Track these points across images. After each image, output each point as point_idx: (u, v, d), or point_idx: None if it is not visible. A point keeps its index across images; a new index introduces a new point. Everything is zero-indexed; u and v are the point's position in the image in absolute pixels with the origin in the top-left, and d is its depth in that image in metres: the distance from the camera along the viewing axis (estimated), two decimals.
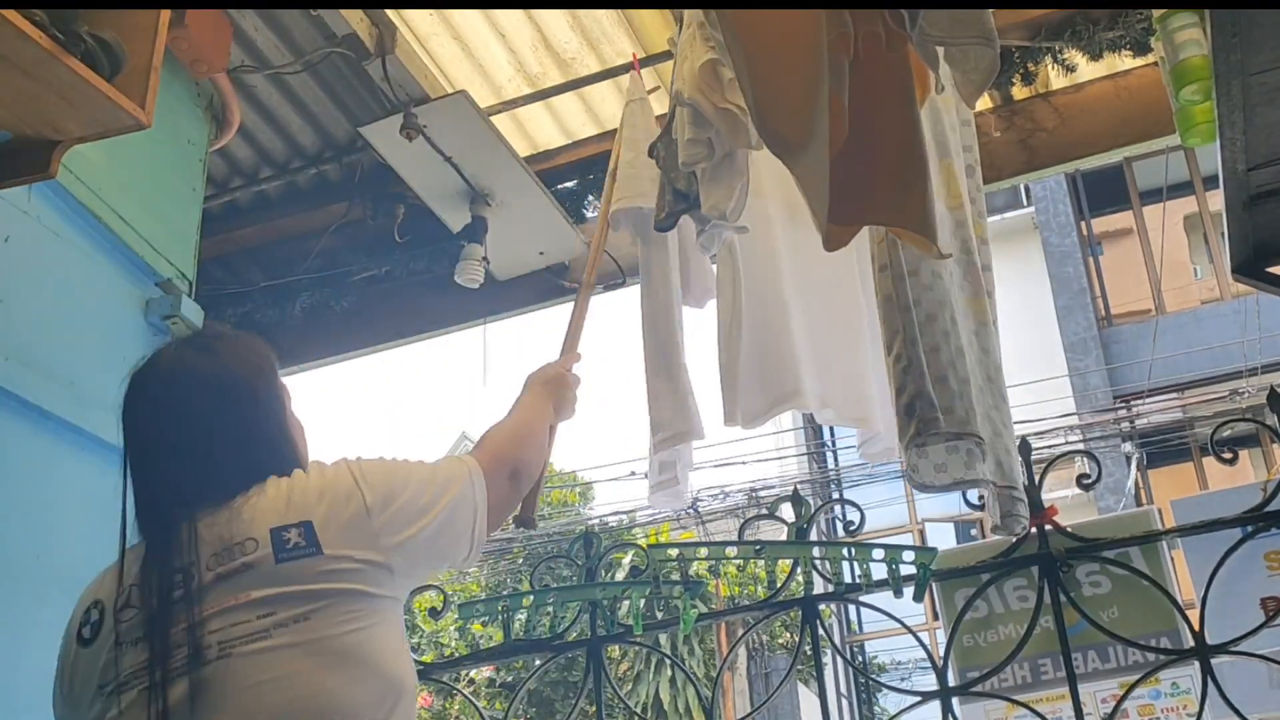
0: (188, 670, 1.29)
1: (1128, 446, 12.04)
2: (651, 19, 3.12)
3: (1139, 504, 11.63)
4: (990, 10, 1.81)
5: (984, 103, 3.19)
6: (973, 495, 2.30)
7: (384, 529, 1.39)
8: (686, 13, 2.34)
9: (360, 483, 1.40)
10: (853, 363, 2.61)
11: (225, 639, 1.30)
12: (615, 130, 3.42)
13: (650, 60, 3.10)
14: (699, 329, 2.76)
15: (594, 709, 2.33)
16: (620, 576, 8.93)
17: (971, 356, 2.13)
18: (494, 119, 3.19)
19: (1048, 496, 2.22)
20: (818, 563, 2.32)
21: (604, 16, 3.18)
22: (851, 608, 13.97)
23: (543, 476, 1.90)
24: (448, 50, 3.26)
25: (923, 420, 1.93)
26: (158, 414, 1.46)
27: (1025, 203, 14.01)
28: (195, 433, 1.44)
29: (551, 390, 1.93)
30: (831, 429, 14.77)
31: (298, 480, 1.41)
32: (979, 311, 2.21)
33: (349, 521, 1.37)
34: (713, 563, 2.47)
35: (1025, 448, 2.28)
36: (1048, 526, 2.20)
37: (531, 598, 2.44)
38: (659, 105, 2.87)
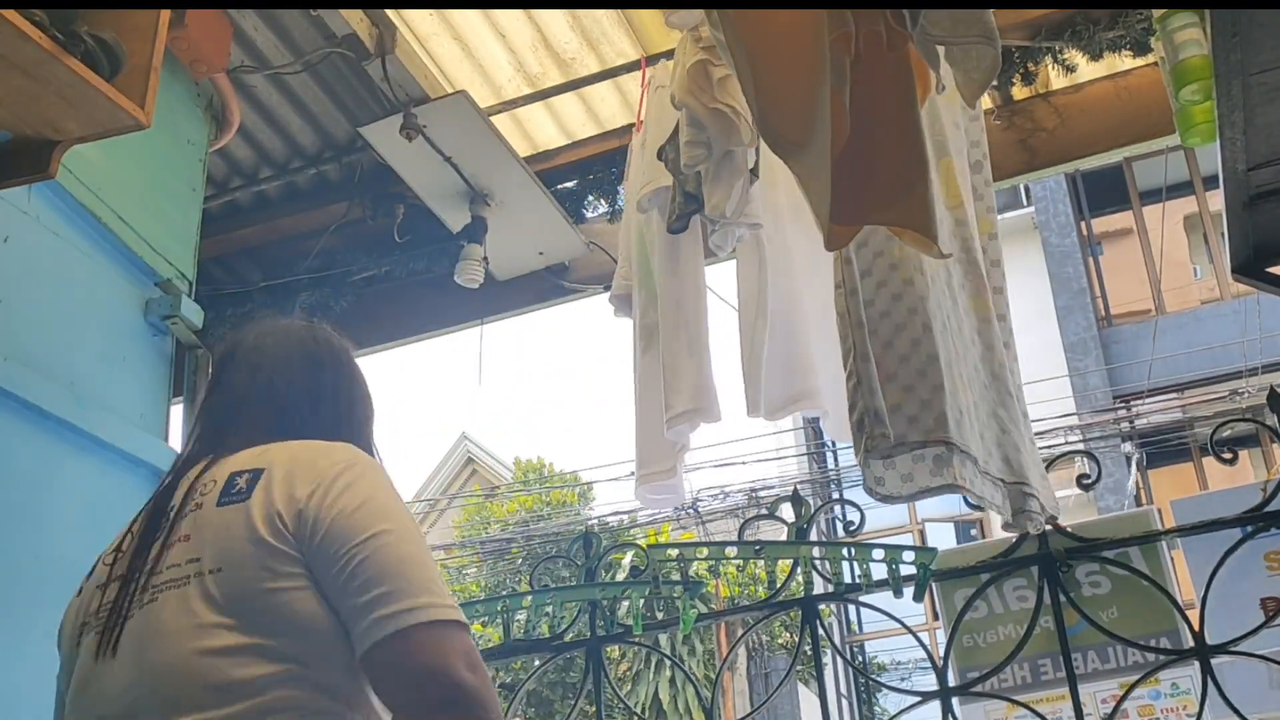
0: (129, 615, 1.25)
1: (1128, 446, 12.04)
2: (651, 19, 3.12)
3: (1139, 504, 11.63)
4: (991, 10, 1.81)
5: (984, 103, 3.19)
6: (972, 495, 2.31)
7: (314, 525, 1.23)
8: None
9: (343, 473, 1.27)
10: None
11: (158, 581, 1.25)
12: (617, 130, 3.44)
13: (654, 60, 3.10)
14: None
15: (594, 709, 2.33)
16: (620, 577, 8.93)
17: (973, 355, 2.12)
18: (494, 119, 3.19)
19: None
20: (817, 563, 2.32)
21: (604, 16, 3.17)
22: (851, 608, 13.96)
23: None
24: (448, 50, 3.26)
25: (870, 437, 1.90)
26: (234, 356, 1.48)
27: (1025, 203, 14.01)
28: (258, 377, 1.44)
29: None
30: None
31: (309, 444, 1.34)
32: (981, 309, 2.19)
33: (298, 484, 1.25)
34: (713, 563, 2.46)
35: None
36: (1048, 526, 2.20)
37: (531, 598, 2.44)
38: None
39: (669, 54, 2.87)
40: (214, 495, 1.28)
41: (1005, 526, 2.10)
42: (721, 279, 3.05)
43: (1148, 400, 12.13)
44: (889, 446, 1.88)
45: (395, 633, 1.15)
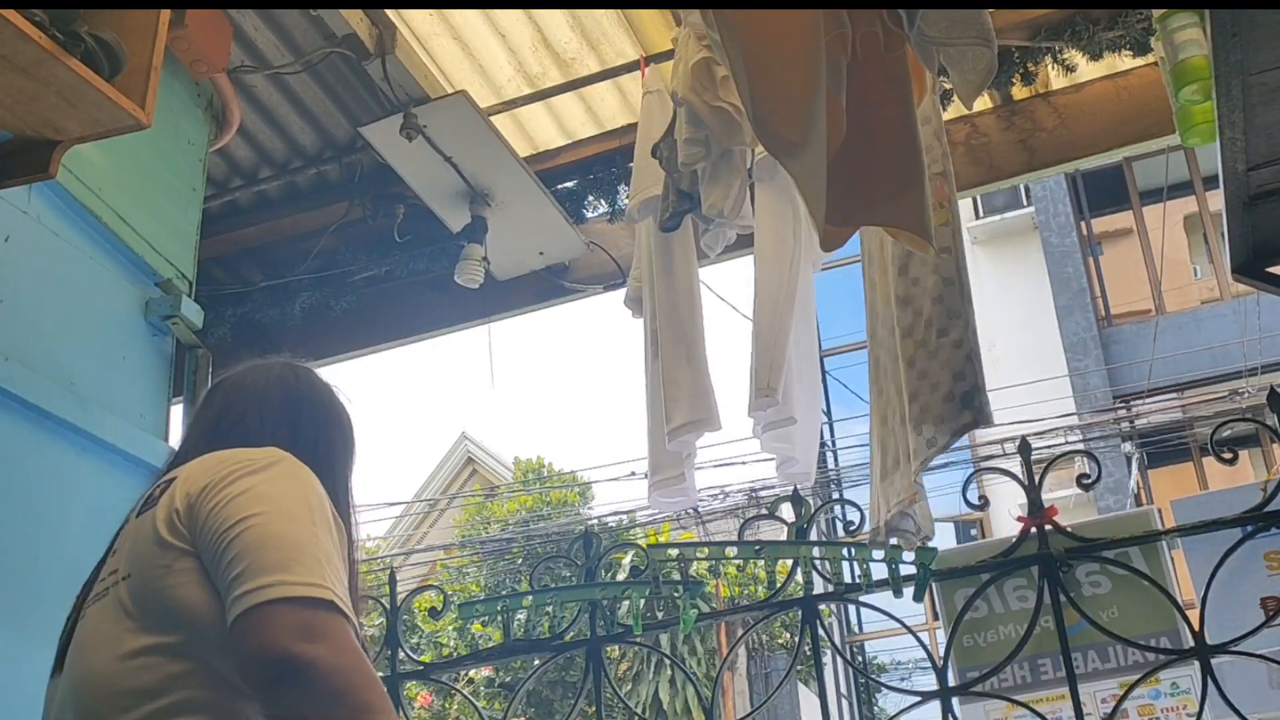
0: (71, 634, 1.32)
1: (1128, 446, 12.04)
2: (651, 19, 3.12)
3: (1139, 504, 11.63)
4: (988, 11, 1.81)
5: (984, 102, 3.19)
6: (973, 495, 2.31)
7: (202, 505, 1.23)
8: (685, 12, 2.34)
9: (248, 469, 1.26)
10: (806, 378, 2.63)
11: (91, 597, 1.30)
12: (616, 130, 3.44)
13: (654, 60, 3.11)
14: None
15: (594, 709, 2.33)
16: (620, 577, 8.93)
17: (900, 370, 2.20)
18: (494, 119, 3.19)
19: (1048, 496, 2.22)
20: (817, 563, 2.32)
21: (604, 16, 3.18)
22: (851, 608, 13.96)
23: None
24: (448, 50, 3.26)
25: (978, 411, 1.94)
26: (216, 390, 1.51)
27: (1025, 203, 14.00)
28: (231, 410, 1.45)
29: None
30: (832, 429, 14.77)
31: (232, 450, 1.33)
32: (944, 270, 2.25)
33: (198, 487, 1.25)
34: (713, 563, 2.46)
35: (1025, 448, 2.28)
36: (1048, 526, 2.20)
37: (531, 598, 2.44)
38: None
39: (669, 54, 2.87)
40: (138, 509, 1.32)
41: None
42: (720, 279, 3.04)
43: (1148, 400, 12.12)
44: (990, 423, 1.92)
45: (238, 615, 1.13)
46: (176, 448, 1.51)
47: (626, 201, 3.19)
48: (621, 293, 3.44)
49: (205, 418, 1.48)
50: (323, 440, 1.46)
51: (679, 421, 2.52)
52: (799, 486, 2.36)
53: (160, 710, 1.16)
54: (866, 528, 2.49)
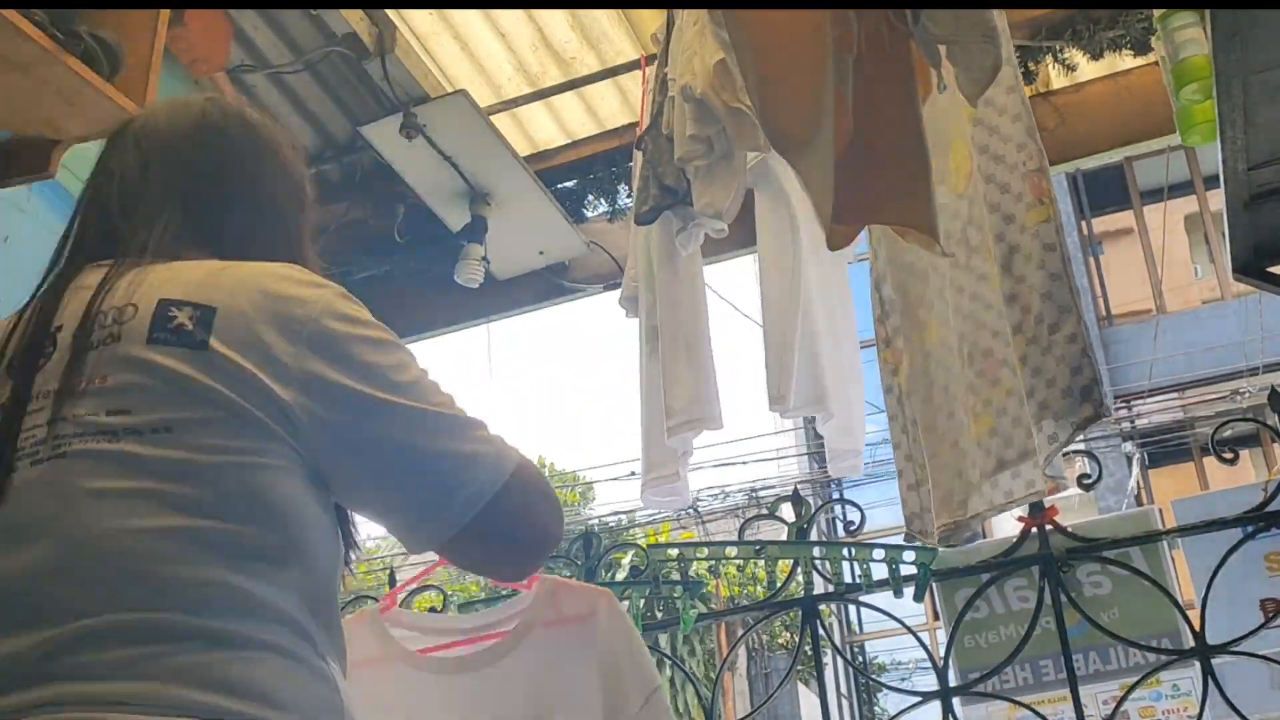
0: (10, 466, 0.95)
1: (1128, 446, 12.04)
2: (651, 19, 3.12)
3: (1140, 504, 11.63)
4: (996, 10, 1.81)
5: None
6: None
7: (303, 354, 1.00)
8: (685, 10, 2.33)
9: (328, 315, 1.06)
10: (846, 371, 2.62)
11: (60, 433, 0.95)
12: (616, 130, 3.44)
13: (654, 61, 3.10)
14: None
15: None
16: (620, 577, 8.93)
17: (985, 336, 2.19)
18: (494, 119, 3.19)
19: (1048, 496, 2.22)
20: (818, 563, 2.32)
21: (604, 16, 3.17)
22: (851, 608, 13.96)
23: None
24: (448, 50, 3.26)
25: (1097, 404, 1.95)
26: (120, 138, 1.26)
27: None
28: (151, 166, 1.18)
29: None
30: None
31: (249, 267, 1.07)
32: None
33: (268, 325, 1.00)
34: (712, 563, 2.46)
35: None
36: (1048, 527, 2.20)
37: None
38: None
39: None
40: (137, 327, 0.99)
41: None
42: (720, 278, 3.04)
43: (1148, 400, 12.13)
44: (1107, 416, 1.94)
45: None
46: (80, 221, 1.23)
47: (627, 200, 3.18)
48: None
49: (116, 174, 1.21)
50: (283, 202, 1.22)
51: (680, 419, 2.51)
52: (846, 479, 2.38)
53: (195, 607, 0.91)
54: (864, 527, 2.49)
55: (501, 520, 1.06)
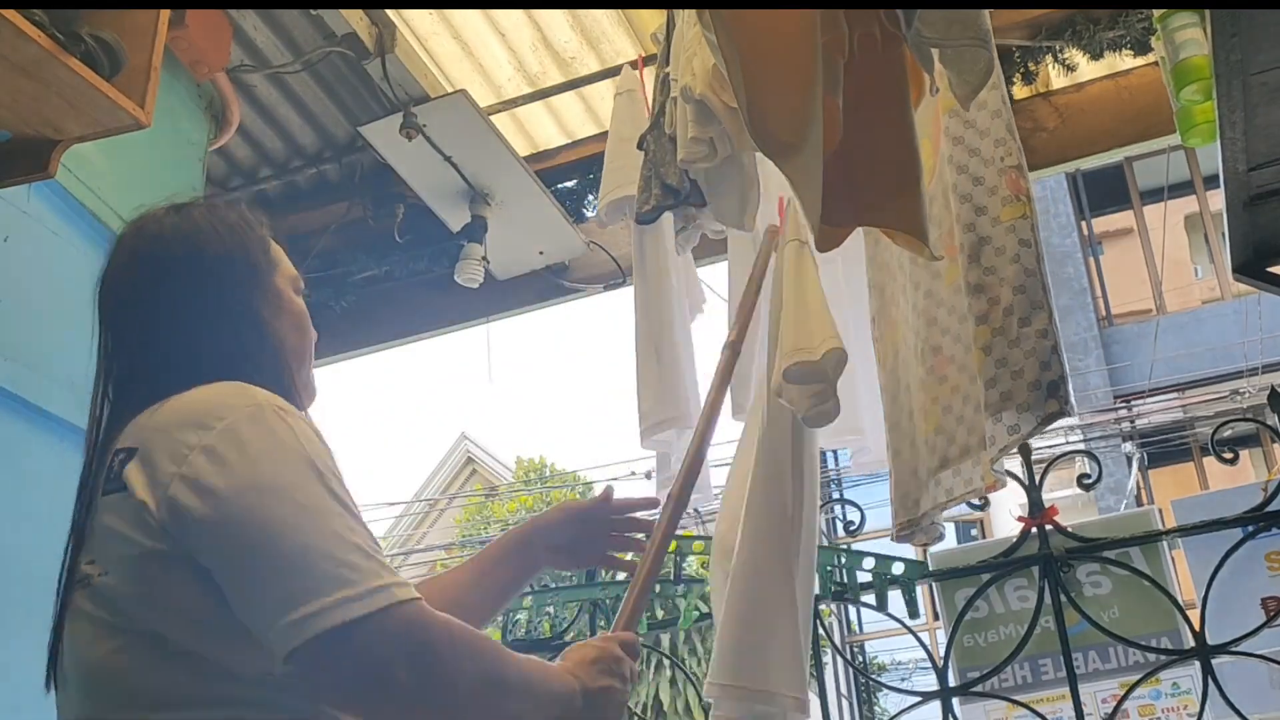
0: (60, 634, 1.12)
1: (1128, 446, 12.04)
2: (651, 19, 3.12)
3: (1140, 504, 11.63)
4: (986, 11, 1.81)
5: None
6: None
7: (180, 475, 1.02)
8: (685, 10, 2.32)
9: (220, 428, 1.03)
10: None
11: (77, 577, 1.11)
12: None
13: (651, 62, 3.10)
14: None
15: None
16: (620, 576, 8.89)
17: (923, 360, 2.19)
18: (494, 118, 3.19)
19: (1048, 496, 2.23)
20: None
21: (604, 16, 3.17)
22: (851, 607, 13.96)
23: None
24: (448, 50, 3.26)
25: (1063, 402, 1.95)
26: (105, 293, 1.28)
27: None
28: (132, 317, 1.22)
29: (591, 680, 1.18)
30: None
31: (195, 393, 1.09)
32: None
33: (161, 454, 1.04)
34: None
35: (1025, 448, 2.28)
36: (1048, 526, 2.20)
37: (531, 598, 2.44)
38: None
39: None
40: (101, 481, 1.09)
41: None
42: (721, 277, 3.03)
43: (1148, 400, 12.13)
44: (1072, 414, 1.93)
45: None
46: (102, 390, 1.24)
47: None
48: (622, 292, 3.44)
49: (102, 345, 1.27)
50: (242, 294, 1.19)
51: (649, 421, 2.49)
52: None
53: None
54: (864, 527, 2.48)
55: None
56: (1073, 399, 1.97)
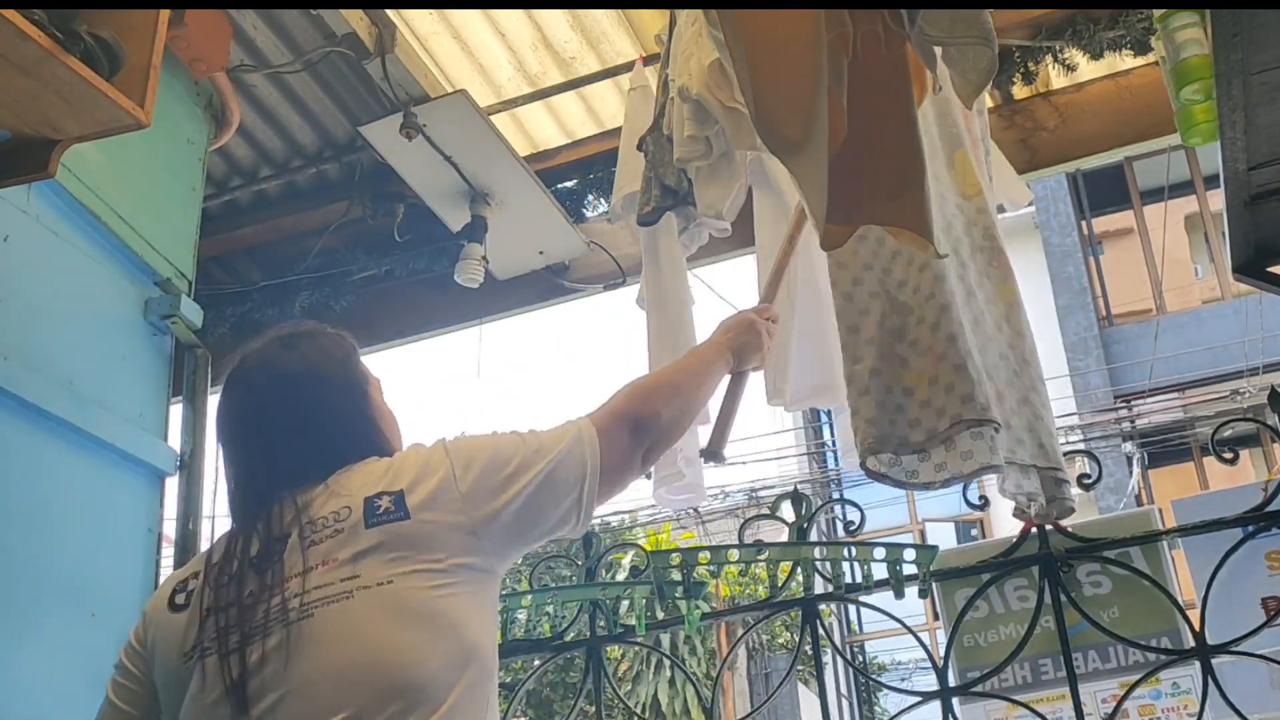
0: (265, 633, 1.32)
1: (1128, 446, 12.04)
2: (651, 19, 3.12)
3: (1140, 504, 11.63)
4: (989, 10, 1.81)
5: (985, 100, 3.19)
6: (973, 494, 2.31)
7: (470, 496, 1.39)
8: (684, 10, 2.32)
9: (449, 454, 1.43)
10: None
11: (307, 601, 1.32)
12: (616, 130, 3.43)
13: (653, 60, 3.10)
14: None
15: (594, 709, 2.33)
16: (620, 576, 8.92)
17: (1002, 342, 2.13)
18: (494, 118, 3.19)
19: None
20: (818, 563, 2.32)
21: (604, 16, 3.17)
22: (852, 608, 13.96)
23: (731, 412, 1.94)
24: (448, 50, 3.26)
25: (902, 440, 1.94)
26: (248, 409, 1.54)
27: (1026, 202, 13.99)
28: (284, 421, 1.50)
29: (734, 337, 1.85)
30: (832, 428, 14.76)
31: (398, 457, 1.47)
32: (1008, 295, 2.19)
33: (436, 488, 1.39)
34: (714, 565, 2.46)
35: None
36: (1048, 526, 2.20)
37: (531, 597, 2.44)
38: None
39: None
40: (355, 520, 1.37)
41: (1038, 516, 2.11)
42: (722, 277, 3.02)
43: (1148, 400, 12.13)
44: (960, 420, 1.90)
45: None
46: (241, 467, 1.52)
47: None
48: (622, 292, 3.44)
49: (255, 428, 1.52)
50: (359, 395, 1.57)
51: None
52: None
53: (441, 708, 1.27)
54: (864, 527, 2.48)
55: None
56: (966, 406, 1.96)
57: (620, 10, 3.13)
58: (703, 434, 2.66)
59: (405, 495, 1.38)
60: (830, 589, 2.31)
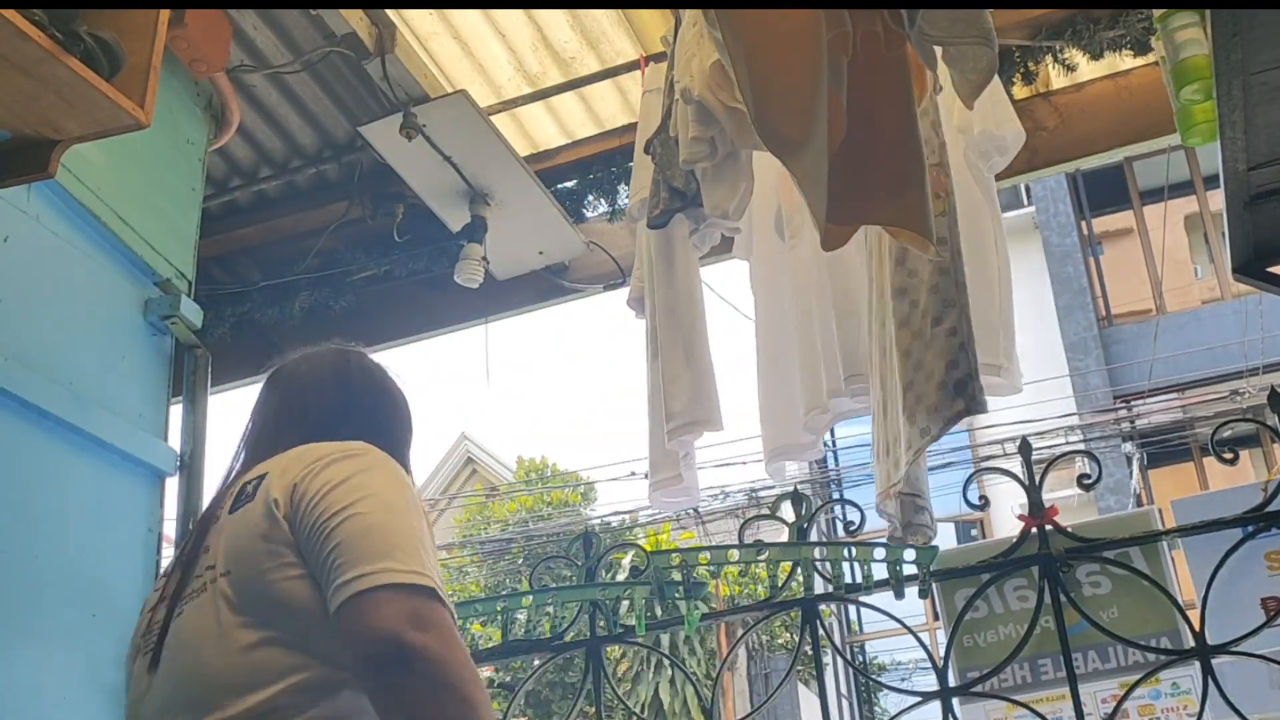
0: (165, 631, 1.32)
1: (1128, 446, 12.04)
2: (651, 19, 3.12)
3: (1139, 504, 11.62)
4: (989, 10, 1.81)
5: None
6: (973, 495, 2.31)
7: (303, 496, 1.27)
8: (688, 10, 2.33)
9: (341, 457, 1.31)
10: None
11: (186, 593, 1.32)
12: (616, 130, 3.44)
13: (653, 60, 3.10)
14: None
15: (593, 709, 2.33)
16: (620, 577, 8.92)
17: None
18: (494, 119, 3.19)
19: (1048, 496, 2.23)
20: (818, 563, 2.32)
21: (604, 16, 3.17)
22: (852, 608, 13.96)
23: None
24: (448, 50, 3.26)
25: (970, 399, 1.95)
26: (271, 382, 1.56)
27: (1025, 202, 14.00)
28: (291, 399, 1.50)
29: None
30: (831, 429, 14.75)
31: (317, 444, 1.38)
32: (879, 280, 2.26)
33: (292, 481, 1.29)
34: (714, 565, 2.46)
35: (1026, 448, 2.28)
36: (1048, 527, 2.20)
37: (531, 598, 2.44)
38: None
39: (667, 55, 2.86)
40: (229, 505, 1.34)
41: (891, 538, 2.16)
42: (723, 278, 3.04)
43: (1148, 400, 12.13)
44: (983, 410, 1.92)
45: (345, 600, 1.17)
46: (238, 449, 1.52)
47: (627, 200, 3.19)
48: (622, 292, 3.44)
49: (266, 411, 1.52)
50: (384, 425, 1.50)
51: (679, 421, 2.52)
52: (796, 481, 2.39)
53: (271, 698, 1.19)
54: (864, 527, 2.48)
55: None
56: (983, 396, 1.96)
57: (620, 10, 3.13)
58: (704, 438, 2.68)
59: (267, 479, 1.33)
60: (830, 589, 2.31)
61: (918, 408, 2.00)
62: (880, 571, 2.27)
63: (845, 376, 2.42)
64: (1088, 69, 3.10)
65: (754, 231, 2.73)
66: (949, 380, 1.98)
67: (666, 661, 9.57)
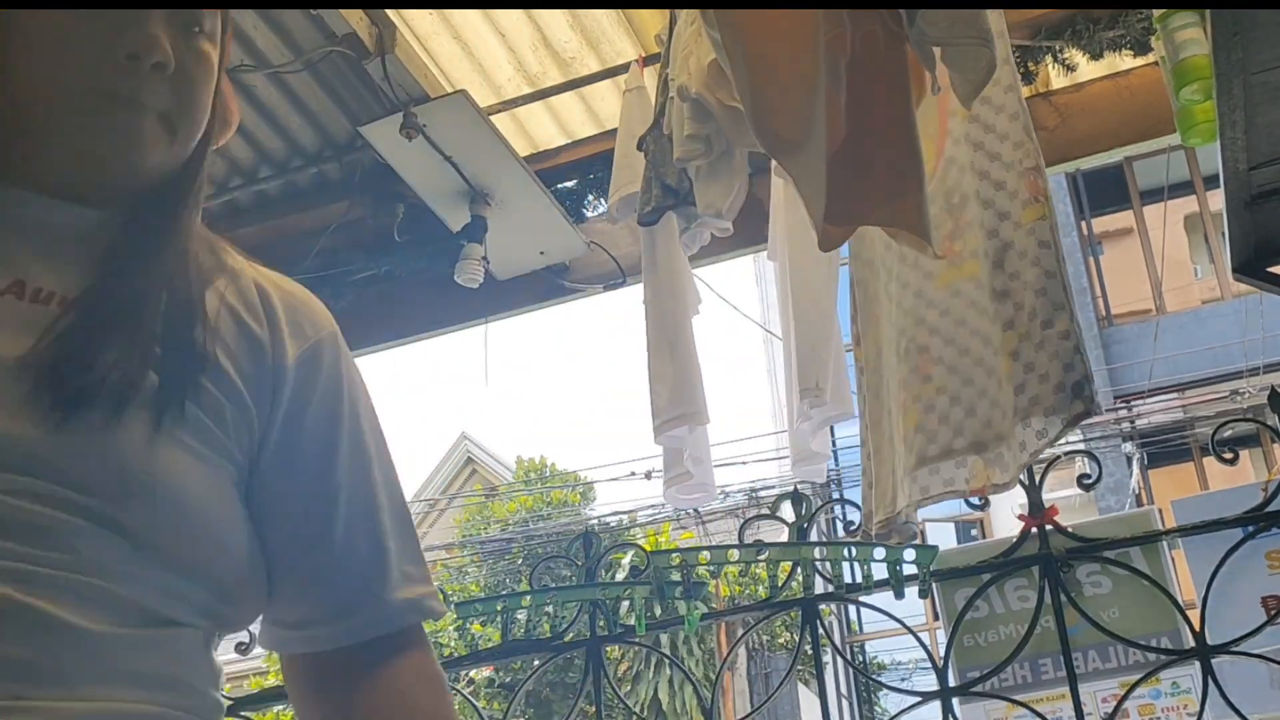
0: None
1: (1128, 446, 12.05)
2: (651, 19, 3.12)
3: (1140, 504, 11.63)
4: (988, 11, 1.81)
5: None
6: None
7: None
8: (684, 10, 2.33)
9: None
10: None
11: None
12: (615, 129, 3.43)
13: (652, 60, 3.10)
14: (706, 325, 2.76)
15: (593, 709, 2.33)
16: (620, 577, 8.92)
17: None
18: (494, 118, 3.19)
19: (1048, 496, 2.22)
20: (818, 563, 2.32)
21: (604, 16, 3.17)
22: (852, 607, 13.96)
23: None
24: (448, 50, 3.26)
25: (1088, 402, 1.97)
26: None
27: None
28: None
29: None
30: (831, 429, 14.76)
31: None
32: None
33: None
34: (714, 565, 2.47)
35: None
36: (1048, 526, 2.20)
37: (530, 598, 2.44)
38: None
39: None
40: None
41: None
42: (721, 277, 3.02)
43: (1148, 400, 12.13)
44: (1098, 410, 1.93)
45: None
46: None
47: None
48: (622, 292, 3.44)
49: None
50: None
51: (663, 417, 2.53)
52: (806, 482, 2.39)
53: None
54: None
55: None
56: (1098, 398, 1.99)
57: (620, 10, 3.13)
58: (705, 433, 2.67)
59: None
60: (830, 589, 2.31)
61: (1033, 410, 2.01)
62: (880, 571, 2.27)
63: (800, 390, 2.44)
64: (1088, 69, 3.10)
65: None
66: (1066, 382, 1.99)
67: (666, 661, 9.56)
